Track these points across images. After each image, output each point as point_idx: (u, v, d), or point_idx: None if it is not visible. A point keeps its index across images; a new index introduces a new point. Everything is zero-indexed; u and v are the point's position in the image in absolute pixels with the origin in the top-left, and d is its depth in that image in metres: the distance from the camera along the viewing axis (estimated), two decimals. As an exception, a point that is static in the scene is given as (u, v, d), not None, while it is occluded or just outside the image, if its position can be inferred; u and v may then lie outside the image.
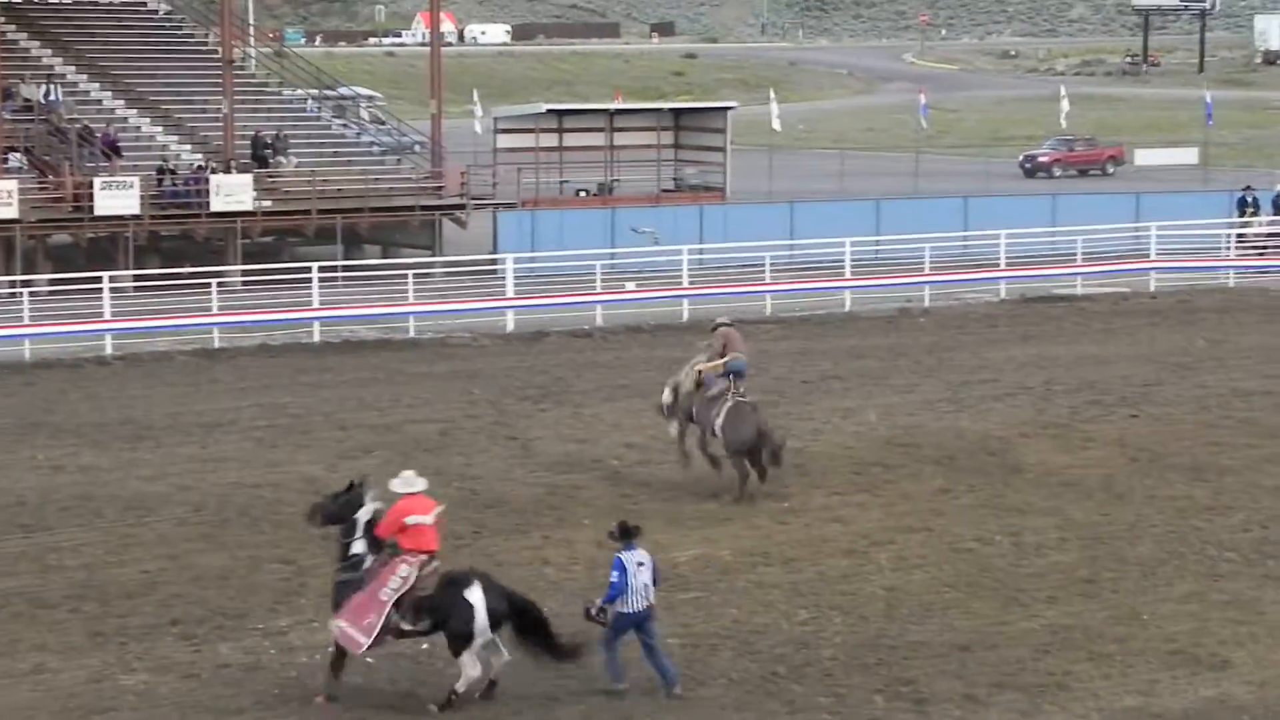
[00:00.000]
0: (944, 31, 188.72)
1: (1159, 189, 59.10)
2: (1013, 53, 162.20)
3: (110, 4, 56.18)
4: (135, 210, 44.94)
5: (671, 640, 18.98)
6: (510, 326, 39.66)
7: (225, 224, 46.23)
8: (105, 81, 51.11)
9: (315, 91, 55.65)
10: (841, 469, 26.48)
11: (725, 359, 25.24)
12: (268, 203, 47.26)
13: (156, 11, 56.46)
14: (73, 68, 51.19)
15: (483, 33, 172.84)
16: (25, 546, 22.29)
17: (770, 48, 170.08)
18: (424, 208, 49.63)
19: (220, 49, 49.90)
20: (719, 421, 24.62)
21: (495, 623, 16.95)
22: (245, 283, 41.80)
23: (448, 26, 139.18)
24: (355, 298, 40.31)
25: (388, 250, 49.65)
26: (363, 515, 17.18)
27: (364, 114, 59.82)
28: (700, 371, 25.32)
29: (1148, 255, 46.87)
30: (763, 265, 43.23)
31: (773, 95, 74.25)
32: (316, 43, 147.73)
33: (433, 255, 47.76)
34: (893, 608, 20.20)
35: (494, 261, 44.26)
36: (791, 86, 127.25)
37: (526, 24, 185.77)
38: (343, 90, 59.47)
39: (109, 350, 36.17)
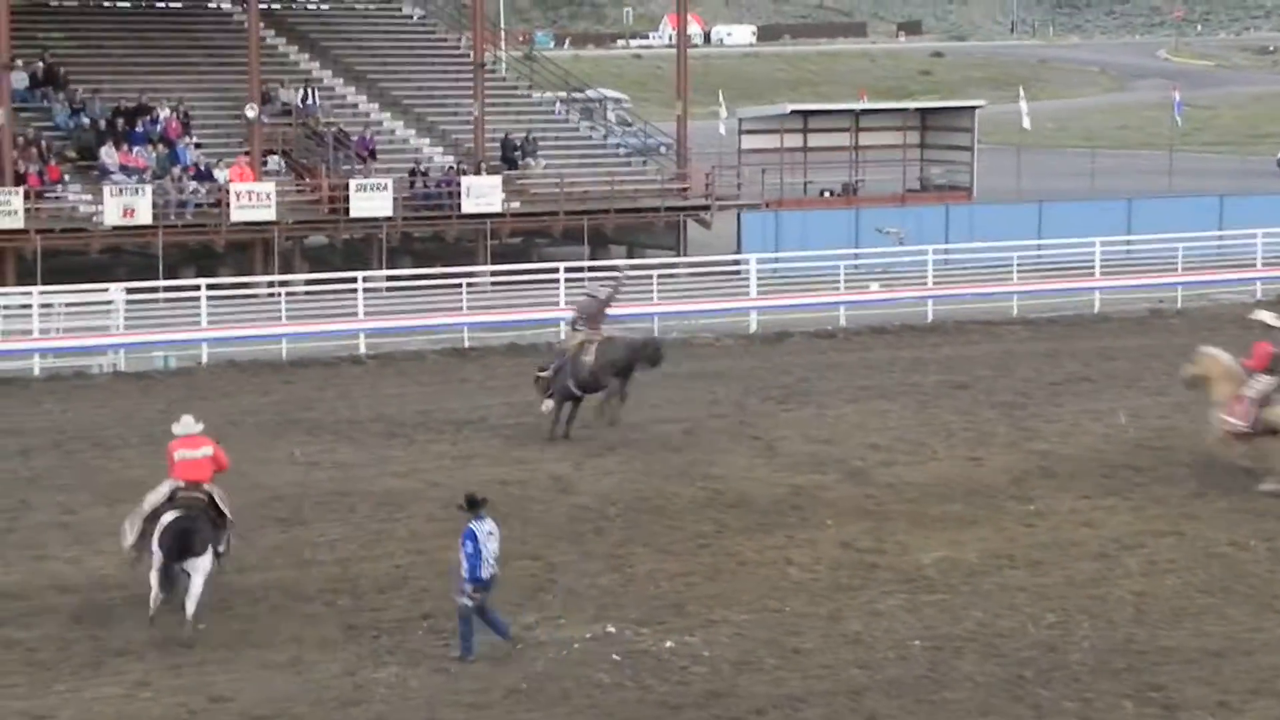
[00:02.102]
0: (1199, 27, 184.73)
1: None
2: (1271, 48, 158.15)
3: (366, 10, 57.43)
4: (388, 212, 45.82)
5: (915, 642, 18.93)
6: (753, 327, 39.73)
7: (475, 225, 46.93)
8: (360, 85, 52.22)
9: (563, 94, 56.26)
10: (1090, 472, 26.14)
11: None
12: (516, 204, 47.89)
13: (410, 16, 57.55)
14: (329, 72, 52.38)
15: (729, 34, 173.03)
16: (282, 540, 22.89)
17: (1019, 45, 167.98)
18: (669, 208, 49.89)
19: (472, 53, 50.69)
20: (591, 354, 27.96)
21: (165, 548, 19.26)
22: (494, 283, 42.41)
23: (694, 28, 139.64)
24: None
25: (633, 251, 50.00)
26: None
27: (611, 116, 60.27)
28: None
29: None
30: (1010, 265, 42.75)
31: (1022, 93, 73.32)
32: (565, 45, 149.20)
33: (677, 256, 48.00)
34: (1143, 613, 19.89)
35: (737, 262, 44.35)
36: (1041, 84, 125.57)
37: (772, 24, 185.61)
38: (590, 92, 59.97)
39: (363, 349, 36.94)
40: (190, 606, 19.22)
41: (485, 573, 18.48)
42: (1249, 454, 25.26)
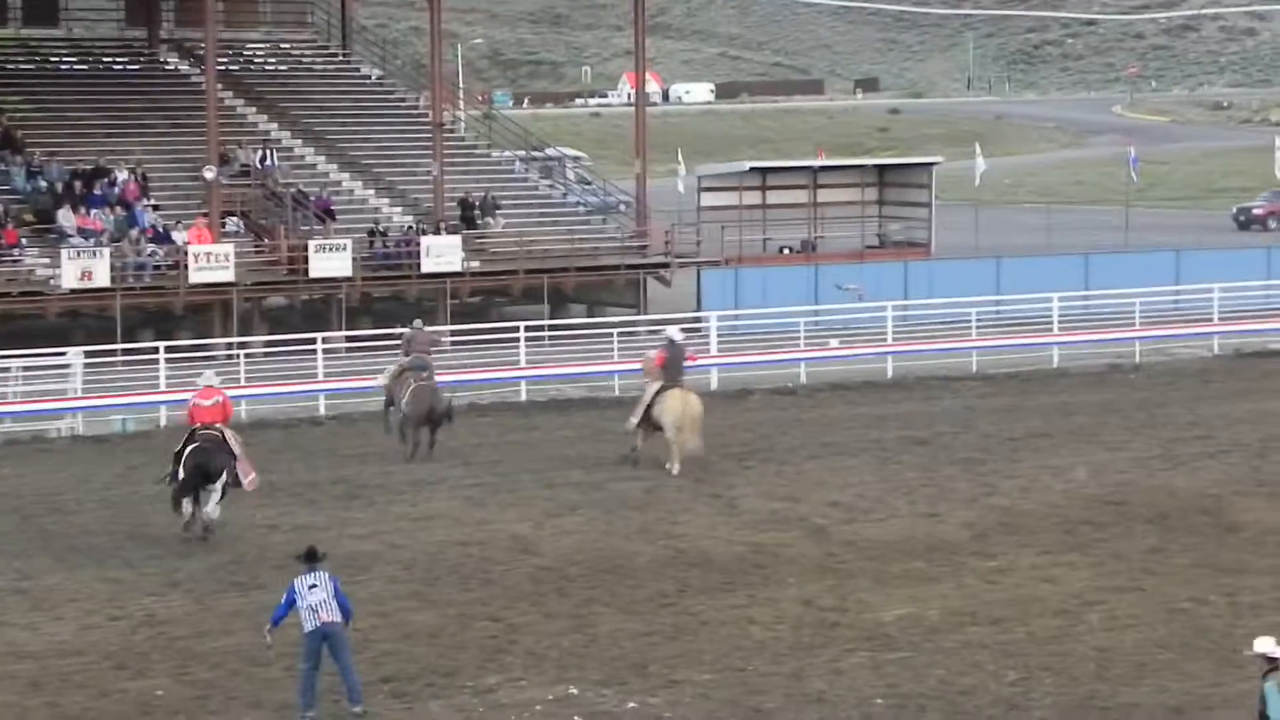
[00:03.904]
0: (1154, 83, 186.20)
1: (1378, 240, 57.73)
2: (1225, 104, 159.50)
3: (324, 71, 57.50)
4: (348, 272, 45.79)
5: (877, 701, 18.90)
6: (714, 384, 39.74)
7: (435, 285, 46.92)
8: (319, 146, 52.25)
9: (522, 153, 56.36)
10: (1051, 528, 26.17)
11: (407, 359, 32.35)
12: (476, 263, 47.91)
13: (369, 77, 57.64)
14: (288, 133, 52.40)
15: (687, 92, 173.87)
16: (241, 604, 22.73)
17: (976, 101, 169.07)
18: (629, 266, 49.98)
19: (430, 112, 50.77)
20: (404, 399, 31.69)
21: (188, 475, 25.35)
22: (454, 343, 42.37)
23: (653, 86, 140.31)
24: (561, 357, 40.67)
25: (593, 309, 50.03)
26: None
27: (570, 174, 60.37)
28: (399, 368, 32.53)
29: (1367, 307, 45.78)
30: (969, 321, 42.88)
31: (977, 150, 73.69)
32: (524, 105, 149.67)
33: (637, 314, 48.05)
34: (1104, 669, 19.89)
35: (698, 319, 44.42)
36: (998, 140, 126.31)
37: (731, 82, 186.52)
38: (549, 151, 60.09)
39: (322, 410, 36.84)
40: (209, 511, 25.42)
41: (313, 623, 18.39)
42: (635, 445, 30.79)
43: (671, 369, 31.05)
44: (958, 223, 61.53)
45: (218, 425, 25.81)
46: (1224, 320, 45.09)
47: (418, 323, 34.67)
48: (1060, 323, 43.62)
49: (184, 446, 25.60)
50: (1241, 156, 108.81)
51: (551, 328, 43.12)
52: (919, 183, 56.73)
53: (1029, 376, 40.85)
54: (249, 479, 25.94)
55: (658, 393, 30.68)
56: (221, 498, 25.62)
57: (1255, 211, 79.15)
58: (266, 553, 25.21)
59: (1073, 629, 21.36)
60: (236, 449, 25.85)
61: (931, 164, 58.49)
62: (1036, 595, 22.76)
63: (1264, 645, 15.51)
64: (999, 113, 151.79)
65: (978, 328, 42.84)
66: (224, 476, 25.37)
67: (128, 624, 21.94)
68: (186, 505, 25.49)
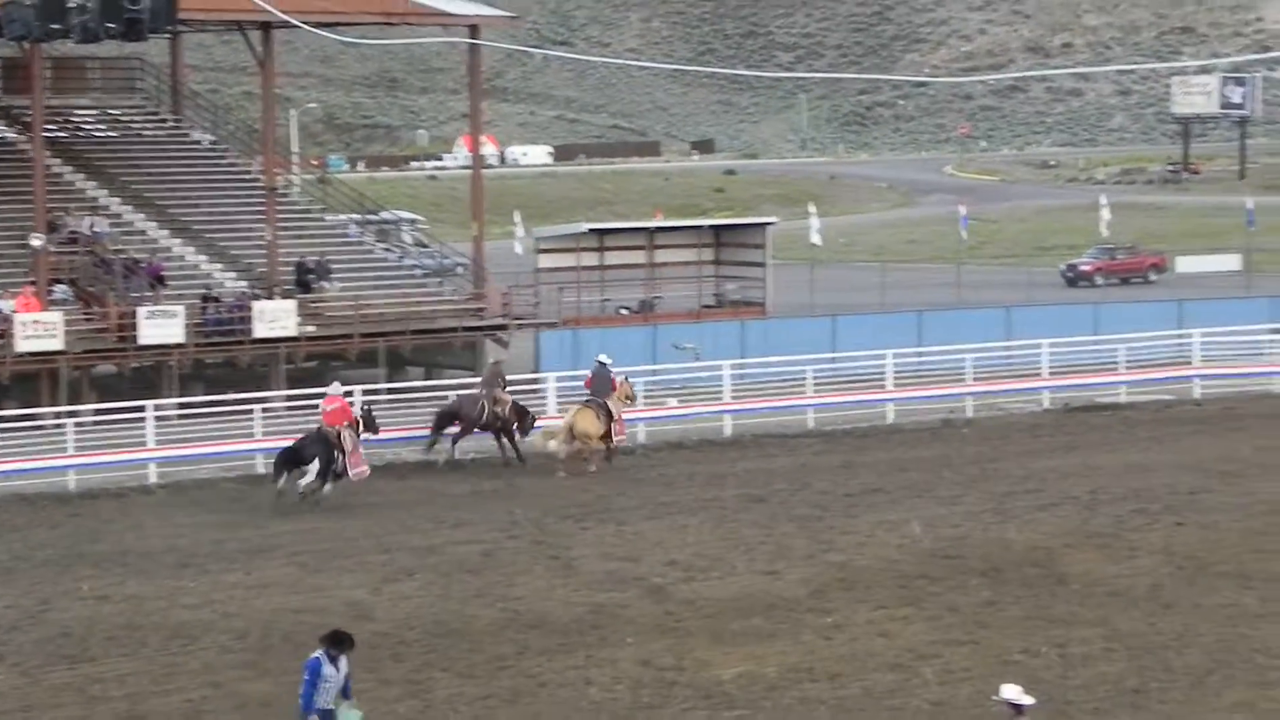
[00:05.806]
0: (983, 143, 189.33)
1: (1202, 296, 58.99)
2: (1052, 162, 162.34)
3: (154, 137, 56.75)
4: (179, 339, 45.18)
5: (716, 759, 18.88)
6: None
7: (269, 350, 46.46)
8: (149, 212, 51.53)
9: (358, 216, 56.06)
10: (886, 582, 26.37)
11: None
12: (311, 328, 47.49)
13: (200, 143, 57.02)
14: (117, 199, 51.65)
15: (524, 154, 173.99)
16: (70, 678, 22.31)
17: (810, 163, 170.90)
18: (466, 328, 49.82)
19: (263, 177, 50.36)
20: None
21: (281, 456, 33.19)
22: (289, 408, 41.92)
23: (489, 149, 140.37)
24: (399, 420, 40.33)
25: (431, 372, 49.78)
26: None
27: (406, 237, 60.14)
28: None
29: (1191, 362, 46.68)
30: (804, 379, 43.22)
31: (812, 209, 74.39)
32: (359, 168, 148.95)
33: (476, 375, 47.82)
34: (939, 722, 20.04)
35: (536, 381, 44.34)
36: (831, 200, 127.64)
37: (568, 145, 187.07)
38: (385, 214, 59.82)
39: (153, 479, 36.29)
40: (302, 484, 32.70)
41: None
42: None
43: (595, 388, 37.04)
44: (793, 281, 62.03)
45: (336, 426, 32.98)
46: (1053, 375, 45.74)
47: (498, 362, 41.27)
48: (894, 379, 44.07)
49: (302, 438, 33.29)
50: (1069, 214, 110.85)
51: (389, 391, 42.84)
52: (755, 243, 57.13)
53: (864, 433, 41.22)
54: (357, 470, 33.10)
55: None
56: (322, 485, 32.70)
57: (1083, 268, 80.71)
58: (96, 625, 24.77)
59: (908, 683, 21.52)
60: (347, 445, 32.87)
61: (767, 224, 58.95)
62: (872, 650, 22.91)
63: (1010, 692, 15.78)
64: (833, 173, 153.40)
65: (814, 385, 43.17)
66: (315, 463, 32.34)
67: (-49, 700, 21.42)
68: (282, 481, 32.61)
